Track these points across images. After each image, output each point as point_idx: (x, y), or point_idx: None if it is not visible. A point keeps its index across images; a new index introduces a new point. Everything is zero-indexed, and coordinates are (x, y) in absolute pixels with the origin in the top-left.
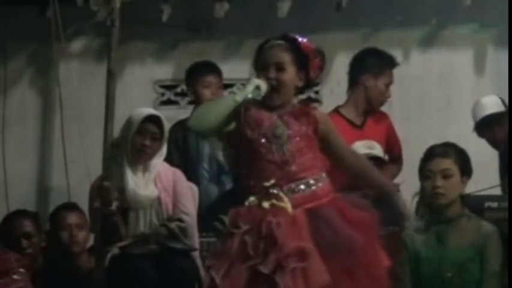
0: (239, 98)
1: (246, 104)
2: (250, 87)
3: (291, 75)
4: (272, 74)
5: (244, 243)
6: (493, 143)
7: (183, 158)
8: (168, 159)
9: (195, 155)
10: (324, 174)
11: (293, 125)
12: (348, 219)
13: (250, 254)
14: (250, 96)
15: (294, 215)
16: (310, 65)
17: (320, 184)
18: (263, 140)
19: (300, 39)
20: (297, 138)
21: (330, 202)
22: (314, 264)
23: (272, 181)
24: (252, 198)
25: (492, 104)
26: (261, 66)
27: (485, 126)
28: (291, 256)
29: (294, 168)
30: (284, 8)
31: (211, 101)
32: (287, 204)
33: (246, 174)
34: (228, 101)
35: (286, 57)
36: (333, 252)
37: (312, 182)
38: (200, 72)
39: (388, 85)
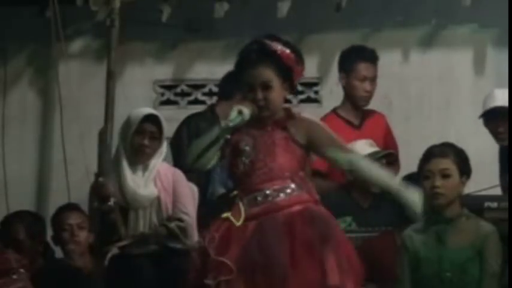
0: (224, 126)
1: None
2: (233, 114)
3: (277, 91)
4: (259, 95)
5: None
6: (495, 136)
7: None
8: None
9: None
10: (292, 185)
11: (261, 135)
12: (293, 236)
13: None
14: (231, 124)
15: (244, 228)
16: (293, 75)
17: (281, 195)
18: (232, 156)
19: (278, 48)
20: (263, 147)
21: (285, 215)
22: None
23: (235, 192)
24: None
25: (504, 97)
26: (247, 88)
27: (491, 117)
28: (213, 270)
29: (253, 179)
30: (284, 8)
31: (201, 138)
32: (240, 216)
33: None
34: (215, 134)
35: (270, 75)
36: (252, 267)
37: (268, 192)
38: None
39: (363, 79)
